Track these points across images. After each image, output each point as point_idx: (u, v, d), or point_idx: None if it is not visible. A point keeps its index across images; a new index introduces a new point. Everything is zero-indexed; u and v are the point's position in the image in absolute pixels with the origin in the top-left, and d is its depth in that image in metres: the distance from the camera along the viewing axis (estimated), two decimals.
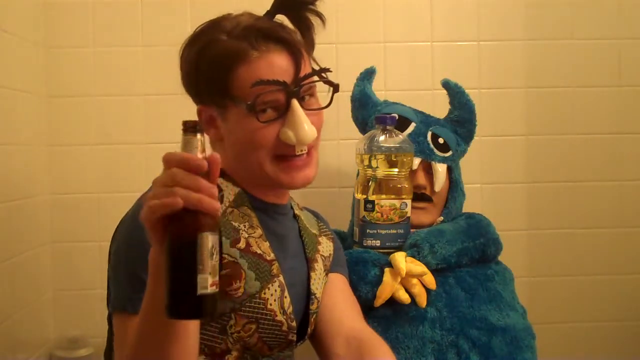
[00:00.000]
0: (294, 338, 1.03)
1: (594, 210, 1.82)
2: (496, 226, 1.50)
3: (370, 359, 1.06)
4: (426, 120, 1.53)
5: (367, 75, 1.59)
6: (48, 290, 1.71)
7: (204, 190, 0.73)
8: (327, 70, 1.04)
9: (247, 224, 1.01)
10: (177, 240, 0.74)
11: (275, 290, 1.00)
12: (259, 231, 1.02)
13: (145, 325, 0.81)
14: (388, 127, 1.38)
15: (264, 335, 0.99)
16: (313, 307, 1.11)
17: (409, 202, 1.39)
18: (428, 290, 1.34)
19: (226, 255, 0.96)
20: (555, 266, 1.82)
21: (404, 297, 1.31)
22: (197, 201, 0.72)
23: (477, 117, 1.56)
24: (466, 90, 1.55)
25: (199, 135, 0.77)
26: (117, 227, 1.00)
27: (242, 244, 0.98)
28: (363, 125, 1.57)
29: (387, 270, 1.33)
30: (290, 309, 1.02)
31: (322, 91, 1.09)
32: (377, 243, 1.38)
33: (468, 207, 1.58)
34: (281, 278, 1.01)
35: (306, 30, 1.06)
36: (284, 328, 1.00)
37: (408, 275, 1.31)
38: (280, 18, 1.07)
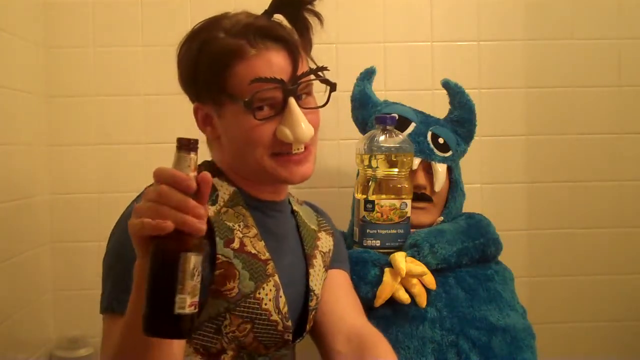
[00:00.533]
0: (290, 337, 1.03)
1: (594, 210, 1.82)
2: (496, 226, 1.50)
3: (370, 356, 1.06)
4: (426, 120, 1.53)
5: (367, 75, 1.59)
6: (48, 290, 1.71)
7: (191, 210, 0.73)
8: (324, 68, 1.04)
9: (241, 223, 1.01)
10: (159, 258, 0.74)
11: (270, 290, 1.00)
12: (254, 230, 1.02)
13: (127, 331, 0.81)
14: (388, 127, 1.38)
15: (259, 335, 0.99)
16: (312, 303, 1.11)
17: (409, 202, 1.39)
18: (428, 290, 1.34)
19: (220, 256, 0.96)
20: (555, 266, 1.82)
21: (404, 297, 1.31)
22: (182, 222, 0.73)
23: (477, 117, 1.56)
24: (466, 90, 1.55)
25: (192, 154, 0.77)
26: (113, 228, 1.00)
27: (236, 244, 0.98)
28: (363, 125, 1.57)
29: (387, 270, 1.33)
30: (286, 308, 1.02)
31: (319, 91, 1.09)
32: (377, 243, 1.38)
33: (468, 207, 1.58)
34: (276, 278, 1.01)
35: (304, 29, 1.06)
36: (279, 328, 1.00)
37: (408, 275, 1.31)
38: (279, 18, 1.07)
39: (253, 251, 1.00)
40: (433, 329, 1.32)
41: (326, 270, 1.18)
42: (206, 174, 0.76)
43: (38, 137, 1.69)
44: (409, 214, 1.39)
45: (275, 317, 0.99)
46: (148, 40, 1.72)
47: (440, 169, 1.48)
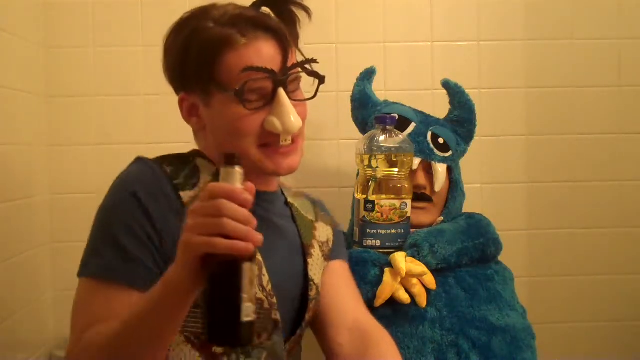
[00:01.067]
0: (277, 316, 1.02)
1: (594, 210, 1.82)
2: (496, 226, 1.50)
3: (373, 350, 1.06)
4: (426, 120, 1.53)
5: (367, 75, 1.59)
6: (48, 290, 1.71)
7: (251, 223, 0.77)
8: (314, 61, 1.04)
9: None
10: (223, 269, 0.77)
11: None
12: None
13: (141, 322, 0.84)
14: (388, 127, 1.38)
15: None
16: (312, 293, 1.11)
17: (409, 202, 1.39)
18: (428, 290, 1.34)
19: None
20: (555, 266, 1.82)
21: (404, 297, 1.31)
22: (246, 234, 0.76)
23: (477, 117, 1.56)
24: (466, 90, 1.55)
25: (238, 168, 0.79)
26: (108, 195, 1.01)
27: None
28: (363, 125, 1.57)
29: (387, 270, 1.33)
30: (270, 286, 1.01)
31: (306, 92, 1.09)
32: (377, 243, 1.38)
33: (468, 207, 1.58)
34: (258, 256, 1.01)
35: (291, 23, 1.06)
36: (265, 305, 1.00)
37: (408, 275, 1.31)
38: (266, 10, 1.07)
39: None
40: (433, 329, 1.32)
41: (325, 260, 1.18)
42: (250, 185, 0.80)
43: (38, 137, 1.69)
44: (409, 214, 1.39)
45: (260, 294, 0.99)
46: (148, 40, 1.72)
47: (440, 169, 1.48)
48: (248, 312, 0.77)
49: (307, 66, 1.04)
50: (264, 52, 0.98)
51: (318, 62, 1.04)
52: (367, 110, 1.56)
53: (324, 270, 1.17)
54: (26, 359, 1.56)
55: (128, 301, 0.91)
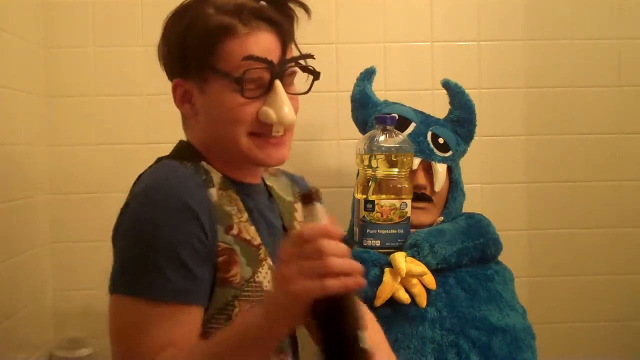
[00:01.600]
0: None
1: (594, 210, 1.82)
2: (496, 226, 1.50)
3: None
4: (426, 120, 1.53)
5: (367, 75, 1.59)
6: (48, 290, 1.71)
7: (349, 255, 0.79)
8: (311, 56, 1.04)
9: (235, 208, 1.01)
10: (338, 306, 0.79)
11: (267, 273, 1.00)
12: (245, 215, 1.02)
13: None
14: (388, 127, 1.38)
15: None
16: None
17: (409, 202, 1.39)
18: (428, 290, 1.34)
19: (221, 243, 0.95)
20: (555, 266, 1.82)
21: (404, 297, 1.31)
22: (350, 268, 0.79)
23: (477, 117, 1.56)
24: (466, 90, 1.55)
25: (319, 204, 0.81)
26: (137, 205, 0.96)
27: (235, 230, 0.98)
28: (363, 125, 1.57)
29: (387, 270, 1.33)
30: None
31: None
32: (377, 243, 1.38)
33: (468, 207, 1.58)
34: (269, 261, 1.01)
35: (288, 19, 1.06)
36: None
37: (408, 275, 1.31)
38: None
39: (247, 237, 1.00)
40: (433, 329, 1.32)
41: None
42: (333, 218, 0.82)
43: (38, 137, 1.69)
44: (409, 214, 1.39)
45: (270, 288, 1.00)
46: (148, 40, 1.70)
47: (440, 169, 1.48)
48: (364, 339, 0.79)
49: (303, 62, 1.04)
50: (264, 43, 0.99)
51: (315, 58, 1.04)
52: (367, 110, 1.56)
53: None
54: (26, 359, 1.56)
55: (197, 321, 0.91)
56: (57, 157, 1.73)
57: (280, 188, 1.18)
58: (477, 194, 1.77)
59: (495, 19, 1.80)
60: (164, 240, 0.90)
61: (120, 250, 0.95)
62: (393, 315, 1.33)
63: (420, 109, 1.57)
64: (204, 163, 1.03)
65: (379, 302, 1.30)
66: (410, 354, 1.30)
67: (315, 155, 1.79)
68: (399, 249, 1.37)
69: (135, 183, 1.02)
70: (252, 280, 0.97)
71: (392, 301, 1.32)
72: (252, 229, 1.02)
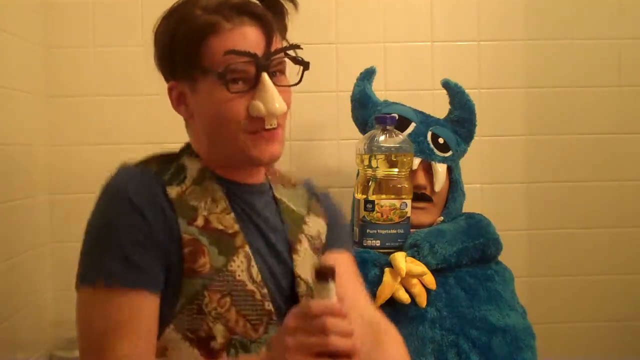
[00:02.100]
0: (271, 307, 1.02)
1: (594, 210, 1.82)
2: (496, 226, 1.50)
3: (383, 342, 1.08)
4: (426, 120, 1.53)
5: (367, 75, 1.59)
6: (48, 290, 1.71)
7: (353, 334, 0.82)
8: (297, 46, 1.04)
9: (209, 199, 1.02)
10: None
11: (242, 262, 1.00)
12: (223, 204, 1.02)
13: None
14: (388, 127, 1.38)
15: (241, 308, 0.99)
16: (300, 290, 1.10)
17: (409, 202, 1.39)
18: (428, 290, 1.34)
19: (185, 235, 0.97)
20: (555, 266, 1.82)
21: (404, 297, 1.31)
22: (351, 348, 0.82)
23: (477, 117, 1.56)
24: (466, 90, 1.56)
25: (332, 283, 0.83)
26: (93, 208, 1.03)
27: (199, 222, 0.99)
28: (363, 125, 1.57)
29: (387, 270, 1.33)
30: (259, 277, 1.02)
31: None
32: (377, 243, 1.38)
33: (468, 207, 1.58)
34: (247, 248, 1.01)
35: (279, 14, 1.07)
36: (257, 297, 1.00)
37: (408, 275, 1.31)
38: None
39: (220, 227, 1.00)
40: (433, 329, 1.32)
41: (316, 254, 1.16)
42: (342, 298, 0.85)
43: (38, 137, 1.69)
44: (409, 214, 1.39)
45: (250, 286, 1.00)
46: (148, 40, 1.71)
47: (440, 169, 1.48)
48: None
49: (292, 53, 1.04)
50: (247, 37, 0.99)
51: (302, 48, 1.05)
52: (367, 110, 1.56)
53: None
54: (26, 359, 1.56)
55: (145, 307, 0.93)
56: (57, 157, 1.73)
57: (291, 199, 1.17)
58: (477, 194, 1.77)
59: (495, 19, 1.80)
60: (104, 232, 0.98)
61: (80, 250, 1.02)
62: (393, 315, 1.31)
63: (420, 109, 1.57)
64: (184, 158, 1.06)
65: (379, 302, 1.30)
66: (410, 354, 1.29)
67: (315, 155, 1.79)
68: (399, 249, 1.37)
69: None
70: (224, 269, 0.98)
71: (392, 301, 1.32)
72: (229, 217, 1.02)
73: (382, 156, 1.36)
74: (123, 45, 1.74)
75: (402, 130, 1.47)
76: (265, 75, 0.99)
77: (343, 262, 1.17)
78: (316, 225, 1.17)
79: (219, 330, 0.97)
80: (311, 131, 1.77)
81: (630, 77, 1.81)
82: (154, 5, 1.78)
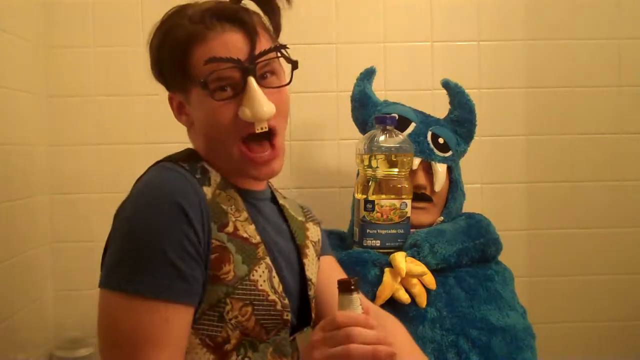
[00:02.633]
0: (289, 317, 1.03)
1: (594, 210, 1.82)
2: (496, 226, 1.50)
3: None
4: (426, 120, 1.53)
5: (367, 75, 1.59)
6: (48, 290, 1.71)
7: (381, 341, 0.85)
8: (283, 47, 1.04)
9: (233, 206, 1.02)
10: None
11: (264, 272, 1.00)
12: (245, 214, 1.02)
13: None
14: (388, 127, 1.38)
15: (261, 317, 0.99)
16: (311, 292, 1.12)
17: (409, 202, 1.39)
18: (428, 290, 1.34)
19: (214, 240, 0.96)
20: (555, 266, 1.82)
21: (404, 297, 1.31)
22: (372, 354, 0.84)
23: (477, 117, 1.56)
24: (466, 90, 1.55)
25: (355, 294, 0.87)
26: (131, 206, 0.96)
27: (230, 228, 0.98)
28: (363, 125, 1.57)
29: (387, 270, 1.33)
30: (281, 287, 1.02)
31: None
32: (377, 243, 1.38)
33: (468, 207, 1.58)
34: (268, 260, 1.02)
35: (271, 13, 1.07)
36: (278, 307, 1.01)
37: (408, 275, 1.31)
38: (248, 3, 1.08)
39: (245, 235, 1.00)
40: (433, 329, 1.32)
41: (318, 259, 1.18)
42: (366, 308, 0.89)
43: (38, 137, 1.69)
44: (409, 214, 1.39)
45: (272, 296, 1.00)
46: (148, 40, 1.72)
47: (440, 169, 1.48)
48: None
49: (278, 53, 1.04)
50: (230, 43, 0.99)
51: (288, 48, 1.05)
52: (367, 110, 1.56)
53: (318, 266, 1.18)
54: (26, 359, 1.56)
55: (185, 320, 0.92)
56: (57, 157, 1.73)
57: (292, 208, 1.19)
58: (477, 194, 1.77)
59: (495, 19, 1.80)
60: (154, 239, 0.91)
61: (114, 248, 0.95)
62: (393, 315, 1.32)
63: (420, 109, 1.57)
64: (204, 163, 1.04)
65: (379, 302, 1.30)
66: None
67: (315, 155, 1.79)
68: (399, 249, 1.37)
69: (133, 186, 1.02)
70: (246, 278, 0.97)
71: (392, 301, 1.32)
72: (252, 227, 1.02)
73: (382, 156, 1.36)
74: (123, 45, 1.74)
75: (402, 130, 1.47)
76: (251, 80, 0.98)
77: (335, 264, 1.24)
78: (315, 232, 1.20)
79: (235, 335, 0.98)
80: (311, 131, 1.77)
81: (630, 77, 1.81)
82: (154, 5, 1.79)
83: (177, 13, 1.04)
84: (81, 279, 1.71)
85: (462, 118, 1.55)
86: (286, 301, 1.02)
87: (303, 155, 1.77)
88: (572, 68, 1.81)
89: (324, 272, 1.18)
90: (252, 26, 1.00)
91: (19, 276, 1.54)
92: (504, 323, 1.36)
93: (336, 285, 0.90)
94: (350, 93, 1.60)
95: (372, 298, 1.31)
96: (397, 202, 1.37)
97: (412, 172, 1.45)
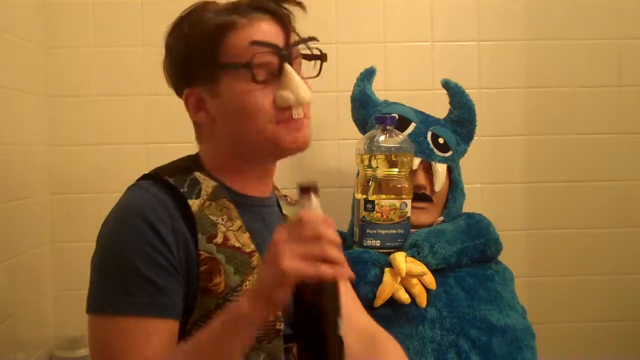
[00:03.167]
0: (281, 327, 1.02)
1: (594, 210, 1.82)
2: (496, 226, 1.50)
3: (381, 351, 1.08)
4: (426, 120, 1.53)
5: (367, 75, 1.59)
6: (48, 290, 1.71)
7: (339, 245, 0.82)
8: (314, 38, 1.05)
9: (225, 216, 1.00)
10: (326, 290, 0.81)
11: None
12: (238, 223, 1.01)
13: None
14: (388, 127, 1.38)
15: None
16: None
17: (409, 202, 1.39)
18: (428, 290, 1.34)
19: (202, 252, 0.95)
20: (555, 266, 1.82)
21: (404, 297, 1.31)
22: (342, 257, 0.81)
23: (477, 117, 1.56)
24: (466, 90, 1.55)
25: (315, 198, 0.84)
26: (109, 226, 0.98)
27: (219, 239, 0.97)
28: (363, 125, 1.57)
29: (387, 270, 1.33)
30: None
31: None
32: (377, 243, 1.38)
33: (468, 207, 1.58)
34: None
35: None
36: (270, 317, 1.00)
37: (408, 275, 1.31)
38: None
39: (237, 244, 0.99)
40: (433, 329, 1.32)
41: None
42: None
43: (38, 137, 1.69)
44: (409, 214, 1.39)
45: None
46: (148, 40, 1.72)
47: (440, 169, 1.48)
48: (341, 326, 0.82)
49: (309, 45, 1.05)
50: (266, 30, 0.99)
51: (319, 40, 1.05)
52: (367, 110, 1.56)
53: None
54: (26, 359, 1.56)
55: (170, 332, 0.91)
56: (57, 157, 1.73)
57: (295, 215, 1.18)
58: (477, 194, 1.77)
59: (495, 19, 1.80)
60: (125, 257, 0.92)
61: (92, 271, 0.97)
62: (393, 315, 1.33)
63: (420, 109, 1.57)
64: (197, 174, 1.03)
65: (379, 302, 1.30)
66: (410, 354, 1.29)
67: (315, 155, 1.79)
68: (399, 249, 1.37)
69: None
70: (238, 289, 0.97)
71: (392, 301, 1.32)
72: (246, 236, 1.01)
73: (382, 156, 1.36)
74: (123, 45, 1.73)
75: (402, 130, 1.47)
76: (288, 66, 0.99)
77: None
78: None
79: None
80: (311, 131, 1.77)
81: (630, 77, 1.81)
82: (154, 5, 1.81)
83: (199, 9, 1.03)
84: (81, 279, 1.69)
85: (462, 118, 1.55)
86: (279, 312, 1.01)
87: (303, 155, 1.74)
88: (572, 68, 1.81)
89: None
90: (285, 15, 1.01)
91: (19, 276, 1.54)
92: (504, 323, 1.36)
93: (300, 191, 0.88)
94: (350, 93, 1.59)
95: (372, 298, 1.31)
96: (397, 202, 1.37)
97: (412, 172, 1.45)
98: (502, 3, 1.80)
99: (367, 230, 1.38)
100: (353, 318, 1.14)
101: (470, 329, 1.33)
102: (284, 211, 1.16)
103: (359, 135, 1.54)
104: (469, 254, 1.41)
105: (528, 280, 1.79)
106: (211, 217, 0.99)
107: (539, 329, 1.43)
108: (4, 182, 1.49)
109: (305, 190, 0.84)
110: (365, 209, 1.37)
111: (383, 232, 1.38)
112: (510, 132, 1.81)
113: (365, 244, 1.38)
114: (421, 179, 1.47)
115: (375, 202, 1.37)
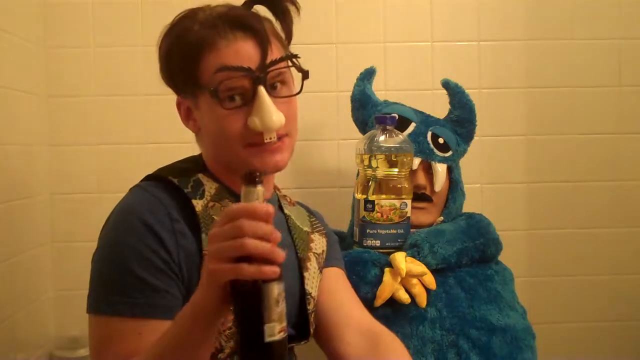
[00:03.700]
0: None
1: (594, 210, 1.82)
2: (496, 226, 1.50)
3: (386, 350, 1.08)
4: (426, 120, 1.53)
5: (367, 75, 1.59)
6: (48, 290, 1.71)
7: (274, 238, 0.75)
8: (294, 56, 1.03)
9: None
10: (248, 292, 0.76)
11: None
12: None
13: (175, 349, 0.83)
14: (388, 127, 1.38)
15: None
16: (310, 306, 1.11)
17: (409, 202, 1.39)
18: (428, 290, 1.34)
19: (205, 251, 0.95)
20: (555, 266, 1.82)
21: (404, 297, 1.31)
22: (269, 252, 0.75)
23: (477, 117, 1.56)
24: (466, 90, 1.55)
25: (259, 187, 0.77)
26: (108, 229, 0.99)
27: None
28: (363, 125, 1.57)
29: (387, 270, 1.33)
30: None
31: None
32: (377, 243, 1.38)
33: (468, 207, 1.58)
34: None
35: (283, 18, 1.06)
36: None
37: (408, 275, 1.31)
38: (260, 8, 1.07)
39: None
40: (433, 329, 1.32)
41: (321, 271, 1.17)
42: (269, 205, 0.77)
43: (38, 137, 1.69)
44: (409, 214, 1.39)
45: None
46: (148, 40, 1.69)
47: (440, 169, 1.48)
48: (272, 331, 0.76)
49: (289, 62, 1.03)
50: (241, 51, 0.98)
51: (299, 57, 1.03)
52: (367, 110, 1.56)
53: (322, 277, 1.17)
54: (26, 359, 1.56)
55: (158, 332, 0.91)
56: (57, 157, 1.73)
57: (297, 217, 1.18)
58: (477, 194, 1.77)
59: (495, 19, 1.80)
60: (122, 259, 0.93)
61: (91, 272, 0.99)
62: (393, 315, 1.33)
63: (420, 109, 1.57)
64: (200, 175, 1.04)
65: (379, 302, 1.30)
66: (410, 354, 1.29)
67: (315, 155, 1.79)
68: (399, 249, 1.37)
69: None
70: None
71: (392, 301, 1.32)
72: None
73: (382, 156, 1.36)
74: (123, 45, 1.73)
75: (402, 130, 1.47)
76: (261, 89, 0.97)
77: (341, 276, 1.22)
78: (320, 244, 1.19)
79: (229, 345, 0.97)
80: (311, 131, 1.77)
81: (630, 77, 1.81)
82: (154, 5, 1.80)
83: (188, 17, 1.02)
84: (81, 279, 1.69)
85: (462, 118, 1.55)
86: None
87: (303, 155, 1.77)
88: (572, 68, 1.81)
89: (327, 284, 1.17)
90: (264, 34, 0.99)
91: (19, 276, 1.54)
92: (504, 323, 1.36)
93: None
94: (350, 93, 1.59)
95: (372, 298, 1.31)
96: (397, 202, 1.37)
97: (412, 172, 1.45)
98: (502, 3, 1.80)
99: (367, 230, 1.38)
100: (354, 314, 1.14)
101: (470, 329, 1.33)
102: (285, 211, 1.16)
103: (359, 135, 1.54)
104: (469, 254, 1.41)
105: (528, 280, 1.79)
106: (215, 217, 0.99)
107: (539, 329, 1.43)
108: (4, 182, 1.49)
109: (247, 179, 0.78)
110: (365, 209, 1.37)
111: (383, 232, 1.38)
112: (510, 132, 1.81)
113: (365, 244, 1.38)
114: (421, 179, 1.47)
115: (375, 202, 1.37)
